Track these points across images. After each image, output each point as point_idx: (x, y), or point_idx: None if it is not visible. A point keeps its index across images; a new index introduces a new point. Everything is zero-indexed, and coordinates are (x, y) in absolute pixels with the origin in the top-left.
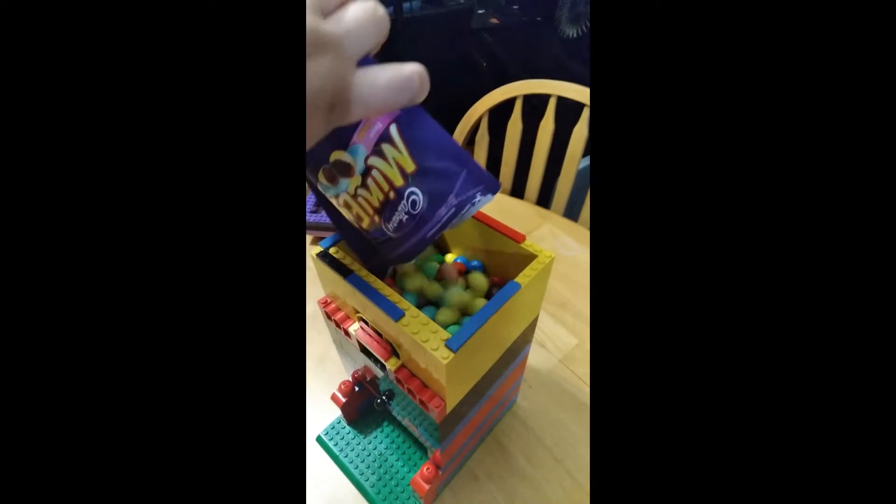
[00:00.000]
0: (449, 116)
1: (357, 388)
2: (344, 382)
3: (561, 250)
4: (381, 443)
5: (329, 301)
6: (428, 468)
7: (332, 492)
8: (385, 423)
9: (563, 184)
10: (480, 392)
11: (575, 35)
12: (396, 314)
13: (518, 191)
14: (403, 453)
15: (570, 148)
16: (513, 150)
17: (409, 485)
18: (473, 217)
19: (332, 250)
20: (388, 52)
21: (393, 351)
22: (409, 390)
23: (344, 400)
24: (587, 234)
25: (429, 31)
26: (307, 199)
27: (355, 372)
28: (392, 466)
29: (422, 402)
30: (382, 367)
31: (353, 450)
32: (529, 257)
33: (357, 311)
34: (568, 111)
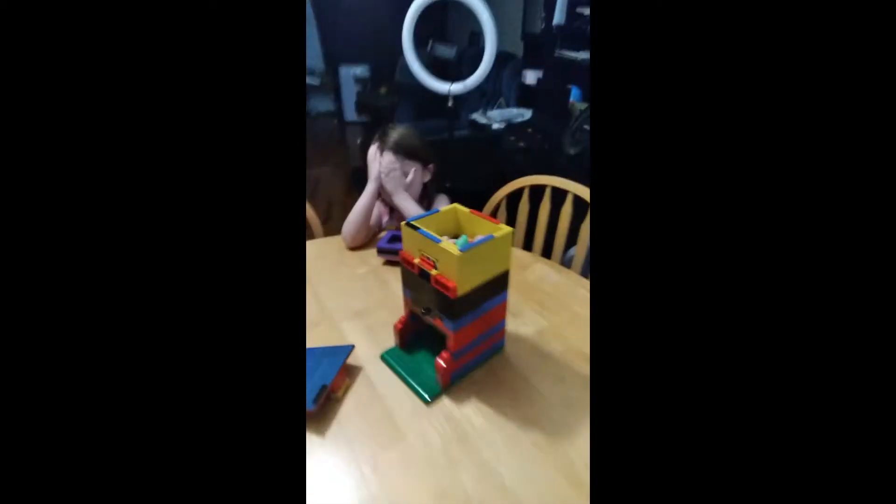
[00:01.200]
0: (480, 202)
1: (411, 320)
2: (402, 316)
3: (547, 278)
4: (419, 357)
5: (405, 253)
6: (445, 353)
7: (390, 383)
8: (422, 349)
9: (557, 247)
10: (478, 300)
11: (575, 153)
12: (438, 241)
13: (527, 249)
14: (431, 363)
15: (559, 223)
16: (522, 222)
17: (433, 374)
18: (476, 215)
19: (414, 222)
20: (443, 161)
21: (434, 265)
22: (439, 283)
23: (400, 326)
24: (569, 272)
25: (472, 149)
26: (385, 235)
27: (409, 305)
28: (424, 369)
29: (445, 286)
30: (428, 279)
31: (402, 361)
32: (500, 229)
33: (420, 251)
34: (559, 198)
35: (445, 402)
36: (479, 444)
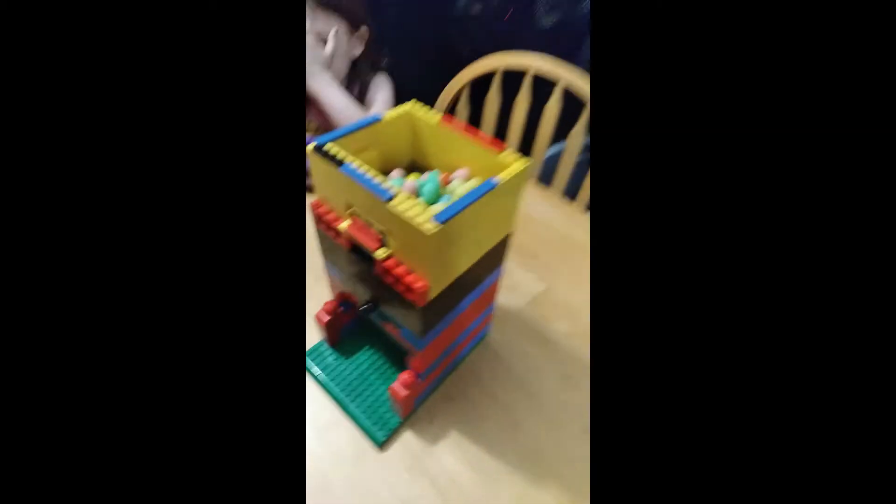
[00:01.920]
0: (428, 95)
1: (342, 308)
2: (328, 302)
3: (536, 214)
4: (363, 364)
5: (320, 204)
6: (407, 374)
7: (315, 412)
8: (366, 347)
9: (536, 156)
10: (458, 294)
11: (550, 25)
12: (387, 196)
13: None
14: (383, 373)
15: (542, 125)
16: (490, 123)
17: (387, 397)
18: (454, 130)
19: (327, 146)
20: (373, 33)
21: (381, 243)
22: (395, 278)
23: (328, 318)
24: (558, 199)
25: (411, 13)
26: None
27: (341, 292)
28: (372, 385)
29: (407, 287)
30: (371, 263)
31: (334, 370)
32: (506, 164)
33: (349, 206)
34: (542, 88)
35: (408, 439)
36: None
